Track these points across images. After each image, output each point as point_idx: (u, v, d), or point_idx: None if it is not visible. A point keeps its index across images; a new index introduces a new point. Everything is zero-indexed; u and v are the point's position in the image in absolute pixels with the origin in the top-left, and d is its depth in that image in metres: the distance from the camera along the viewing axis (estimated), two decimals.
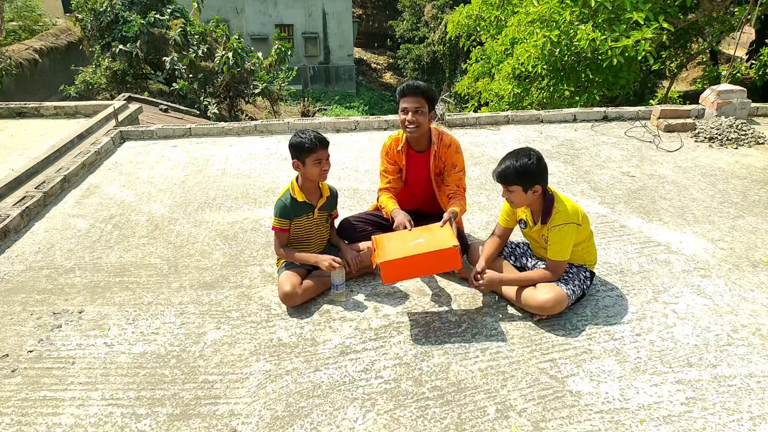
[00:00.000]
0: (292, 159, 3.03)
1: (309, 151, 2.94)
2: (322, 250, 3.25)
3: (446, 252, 2.76)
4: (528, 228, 2.97)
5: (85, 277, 3.39)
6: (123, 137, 6.10)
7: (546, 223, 2.81)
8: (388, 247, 2.89)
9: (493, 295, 3.06)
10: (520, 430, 2.20)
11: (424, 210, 3.51)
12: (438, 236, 2.89)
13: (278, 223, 3.08)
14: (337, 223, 3.45)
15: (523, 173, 2.70)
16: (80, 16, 13.38)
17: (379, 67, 28.77)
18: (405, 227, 3.06)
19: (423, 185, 3.44)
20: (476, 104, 10.77)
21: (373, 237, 2.98)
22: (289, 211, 3.06)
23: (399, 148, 3.34)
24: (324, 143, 3.00)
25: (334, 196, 3.26)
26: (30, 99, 9.37)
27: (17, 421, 2.30)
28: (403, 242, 2.90)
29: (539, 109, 7.16)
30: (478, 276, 2.91)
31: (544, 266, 2.97)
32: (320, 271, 3.14)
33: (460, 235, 3.34)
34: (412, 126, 3.15)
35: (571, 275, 2.90)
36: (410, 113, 3.13)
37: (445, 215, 3.07)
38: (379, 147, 5.82)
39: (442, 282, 3.24)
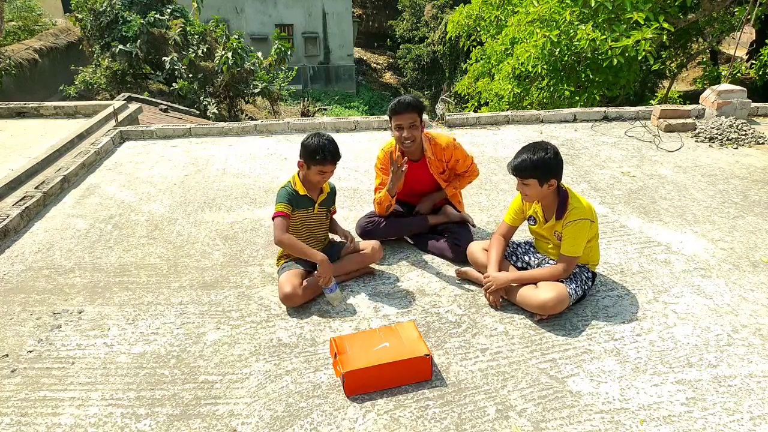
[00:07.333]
0: (300, 157, 3.03)
1: (318, 162, 2.97)
2: (321, 249, 3.23)
3: (416, 361, 2.42)
4: (538, 225, 2.97)
5: (84, 277, 3.39)
6: (123, 137, 6.09)
7: (561, 218, 2.81)
8: (351, 351, 2.48)
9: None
10: (520, 431, 2.20)
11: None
12: (406, 341, 2.51)
13: (284, 208, 3.01)
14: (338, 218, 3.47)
15: (540, 166, 2.71)
16: (80, 16, 13.39)
17: (379, 67, 28.76)
18: (401, 165, 3.13)
19: (426, 185, 3.55)
20: (476, 104, 10.77)
21: (331, 339, 2.62)
22: (293, 199, 3.06)
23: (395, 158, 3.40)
24: (336, 159, 3.01)
25: (333, 191, 3.28)
26: (30, 99, 9.34)
27: (17, 421, 2.30)
28: (366, 346, 2.51)
29: (539, 109, 7.16)
30: (488, 280, 2.93)
31: (548, 264, 2.98)
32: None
33: (461, 217, 3.55)
34: (409, 141, 3.24)
35: (573, 275, 2.90)
36: (405, 130, 3.21)
37: (425, 202, 3.52)
38: (379, 147, 5.81)
39: (442, 282, 3.23)
